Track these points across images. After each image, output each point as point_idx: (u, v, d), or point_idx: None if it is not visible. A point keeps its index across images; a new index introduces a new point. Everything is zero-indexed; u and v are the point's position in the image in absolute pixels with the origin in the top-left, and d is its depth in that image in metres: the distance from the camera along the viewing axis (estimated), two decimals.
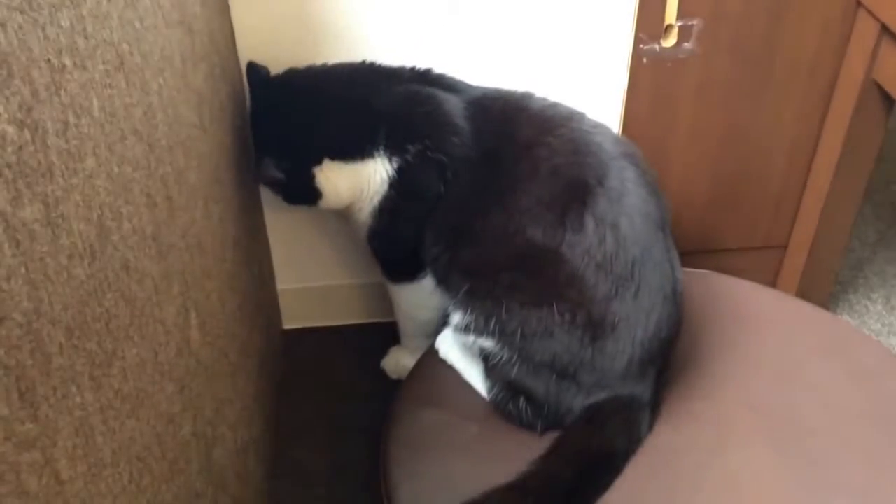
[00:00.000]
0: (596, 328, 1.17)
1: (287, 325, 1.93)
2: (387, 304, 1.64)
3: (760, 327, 1.40)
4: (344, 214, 1.49)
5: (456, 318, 1.28)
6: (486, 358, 1.25)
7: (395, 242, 1.45)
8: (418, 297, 1.50)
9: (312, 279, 1.87)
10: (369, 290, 1.86)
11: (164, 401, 0.89)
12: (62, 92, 0.65)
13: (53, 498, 0.59)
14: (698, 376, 1.32)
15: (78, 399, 0.65)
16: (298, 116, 1.40)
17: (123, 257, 0.78)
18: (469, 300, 1.24)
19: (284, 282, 1.86)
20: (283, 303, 1.90)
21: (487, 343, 1.23)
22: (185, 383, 0.98)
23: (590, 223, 1.16)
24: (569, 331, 1.17)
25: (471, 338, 1.26)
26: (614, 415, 1.21)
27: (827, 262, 1.94)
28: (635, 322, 1.17)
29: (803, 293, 1.92)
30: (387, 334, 1.70)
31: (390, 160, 1.37)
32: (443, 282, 1.35)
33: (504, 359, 1.22)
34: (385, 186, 1.39)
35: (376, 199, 1.41)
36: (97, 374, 0.70)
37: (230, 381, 1.25)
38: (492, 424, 1.28)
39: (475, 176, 1.30)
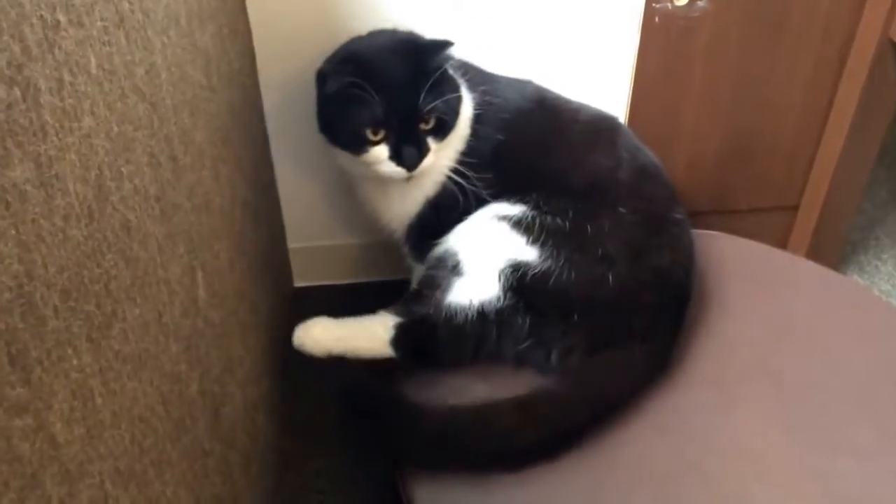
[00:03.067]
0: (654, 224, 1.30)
1: (298, 283, 1.93)
2: (396, 261, 1.63)
3: (770, 289, 1.39)
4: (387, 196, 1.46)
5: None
6: (517, 271, 1.26)
7: (452, 211, 1.40)
8: None
9: (323, 238, 1.87)
10: (380, 248, 1.85)
11: (168, 361, 0.88)
12: (56, 49, 0.64)
13: (49, 462, 0.59)
14: (707, 338, 1.31)
15: (75, 361, 0.65)
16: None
17: (124, 218, 0.77)
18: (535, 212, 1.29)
19: (295, 240, 1.86)
20: (294, 261, 1.90)
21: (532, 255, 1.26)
22: (191, 343, 0.98)
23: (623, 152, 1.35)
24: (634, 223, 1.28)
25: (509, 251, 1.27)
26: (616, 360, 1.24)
27: (838, 223, 1.93)
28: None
29: (814, 254, 1.91)
30: (398, 292, 1.68)
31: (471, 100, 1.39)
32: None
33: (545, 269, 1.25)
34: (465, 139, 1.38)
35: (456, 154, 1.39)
36: (96, 335, 0.69)
37: (239, 339, 1.25)
38: (500, 382, 1.27)
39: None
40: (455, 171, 1.36)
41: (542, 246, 1.26)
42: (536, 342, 1.26)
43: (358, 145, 1.32)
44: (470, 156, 1.36)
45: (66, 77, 0.65)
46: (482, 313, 1.26)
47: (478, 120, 1.38)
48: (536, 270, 1.25)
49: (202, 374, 1.02)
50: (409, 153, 1.30)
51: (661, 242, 1.30)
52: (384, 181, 1.37)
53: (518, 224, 1.28)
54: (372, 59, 1.32)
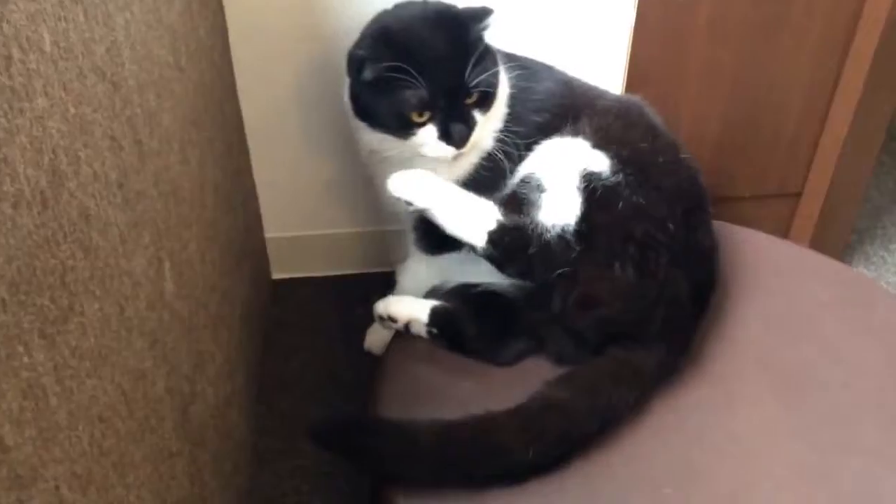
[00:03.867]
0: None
1: (276, 275, 1.88)
2: (380, 253, 1.58)
3: (772, 281, 1.35)
4: None
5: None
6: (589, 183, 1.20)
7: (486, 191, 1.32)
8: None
9: (302, 227, 1.82)
10: (361, 238, 1.80)
11: (132, 357, 0.83)
12: (4, 23, 0.59)
13: None
14: (707, 333, 1.27)
15: (25, 359, 0.60)
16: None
17: (82, 205, 0.72)
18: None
19: (273, 230, 1.81)
20: (272, 252, 1.85)
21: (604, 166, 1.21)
22: (157, 337, 0.93)
23: None
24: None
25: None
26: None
27: (843, 211, 1.88)
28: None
29: (817, 243, 1.87)
30: (381, 284, 1.64)
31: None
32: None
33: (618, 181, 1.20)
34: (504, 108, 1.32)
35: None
36: (50, 331, 0.64)
37: (210, 333, 1.20)
38: (486, 381, 1.23)
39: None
40: (494, 150, 1.31)
41: (613, 162, 1.21)
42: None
43: (403, 129, 1.26)
44: (507, 135, 1.30)
45: (16, 54, 0.61)
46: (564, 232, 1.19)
47: (513, 99, 1.32)
48: (606, 184, 1.20)
49: (169, 371, 0.97)
50: (458, 130, 1.25)
51: (705, 224, 1.26)
52: (421, 164, 1.29)
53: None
54: (410, 38, 1.25)
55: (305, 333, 1.77)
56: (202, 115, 1.23)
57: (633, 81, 1.66)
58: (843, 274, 1.38)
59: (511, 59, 1.36)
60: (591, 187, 1.19)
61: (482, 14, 1.26)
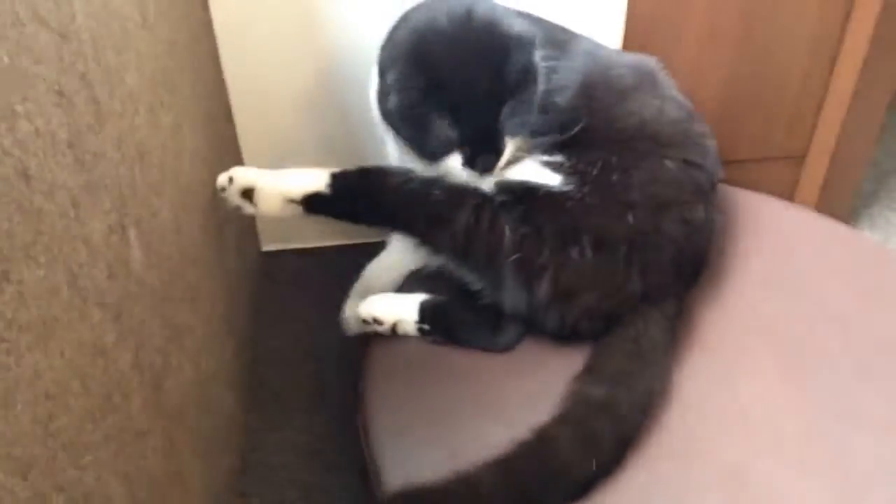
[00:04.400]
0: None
1: (267, 247, 1.82)
2: None
3: (775, 245, 1.30)
4: None
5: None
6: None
7: None
8: None
9: None
10: None
11: (87, 330, 0.78)
12: None
13: None
14: (704, 301, 1.23)
15: None
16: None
17: (20, 164, 0.66)
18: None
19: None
20: (262, 223, 1.79)
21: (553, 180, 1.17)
22: (122, 310, 0.87)
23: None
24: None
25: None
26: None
27: (849, 174, 1.81)
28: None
29: (823, 207, 1.81)
30: (374, 255, 1.58)
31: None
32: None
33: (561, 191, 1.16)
34: None
35: None
36: None
37: (189, 306, 1.14)
38: (477, 354, 1.19)
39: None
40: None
41: (566, 177, 1.17)
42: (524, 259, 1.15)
43: (428, 156, 1.19)
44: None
45: None
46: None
47: (545, 95, 1.21)
48: (551, 190, 1.16)
49: (138, 346, 0.91)
50: (485, 161, 1.17)
51: (699, 199, 1.20)
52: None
53: (549, 164, 1.19)
54: (446, 70, 1.13)
55: (298, 306, 1.73)
56: (176, 77, 1.16)
57: (631, 34, 1.58)
58: (848, 237, 1.33)
59: (551, 38, 1.26)
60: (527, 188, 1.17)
61: (529, 43, 1.16)
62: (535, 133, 1.20)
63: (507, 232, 1.15)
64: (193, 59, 1.28)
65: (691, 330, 1.19)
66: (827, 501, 0.99)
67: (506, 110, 1.14)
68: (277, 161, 1.62)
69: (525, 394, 1.14)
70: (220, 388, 1.30)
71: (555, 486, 1.01)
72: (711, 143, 1.26)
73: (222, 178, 1.21)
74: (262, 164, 1.63)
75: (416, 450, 1.09)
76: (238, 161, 1.66)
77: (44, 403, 0.68)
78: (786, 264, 1.27)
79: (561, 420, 1.05)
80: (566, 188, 1.16)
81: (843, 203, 1.89)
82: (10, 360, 0.63)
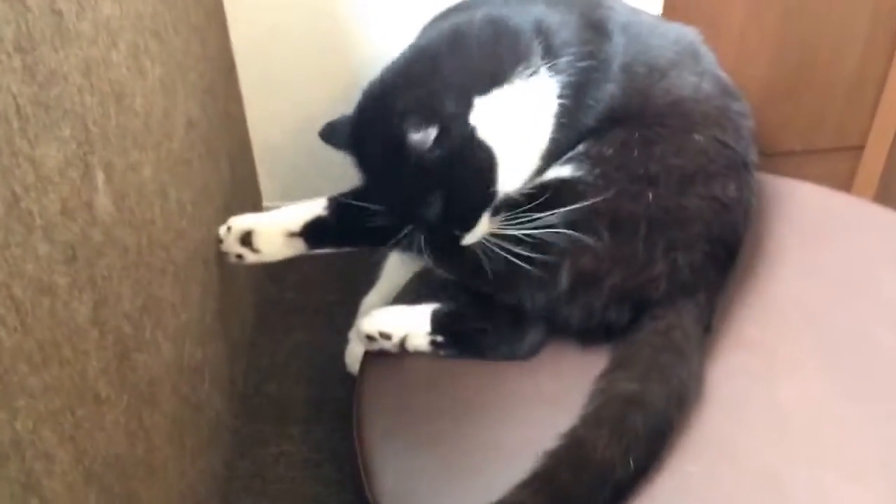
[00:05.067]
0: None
1: None
2: None
3: (823, 235, 1.20)
4: None
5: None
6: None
7: None
8: None
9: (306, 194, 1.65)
10: None
11: (29, 261, 0.68)
12: None
13: None
14: (747, 294, 1.13)
15: None
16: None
17: None
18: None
19: (272, 198, 1.65)
20: None
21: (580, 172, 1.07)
22: (78, 254, 0.78)
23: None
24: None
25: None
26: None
27: None
28: None
29: (882, 202, 1.67)
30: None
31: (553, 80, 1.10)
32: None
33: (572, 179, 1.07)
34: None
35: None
36: None
37: (171, 282, 1.05)
38: (475, 365, 1.09)
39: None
40: None
41: (577, 164, 1.08)
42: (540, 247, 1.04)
43: None
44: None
45: None
46: None
47: (563, 113, 1.10)
48: (561, 180, 1.07)
49: (98, 302, 0.82)
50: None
51: (730, 176, 1.10)
52: None
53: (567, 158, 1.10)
54: (356, 136, 1.08)
55: (302, 313, 1.64)
56: (168, 30, 1.08)
57: (671, 3, 1.48)
58: None
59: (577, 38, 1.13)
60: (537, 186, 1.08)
61: (417, 121, 0.99)
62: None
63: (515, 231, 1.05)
64: (193, 19, 1.20)
65: (728, 323, 1.09)
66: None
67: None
68: (291, 160, 1.56)
69: (535, 394, 1.05)
70: (206, 386, 1.20)
71: (597, 491, 0.91)
72: (748, 124, 1.16)
73: (221, 229, 1.16)
74: (274, 159, 1.57)
75: (410, 452, 1.01)
76: (247, 152, 1.57)
77: None
78: (834, 255, 1.17)
79: (593, 420, 0.96)
80: (577, 174, 1.07)
81: None
82: None
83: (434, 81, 1.03)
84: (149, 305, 0.96)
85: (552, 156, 1.11)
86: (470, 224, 1.05)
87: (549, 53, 1.09)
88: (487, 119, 1.03)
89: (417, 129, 0.98)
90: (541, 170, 1.11)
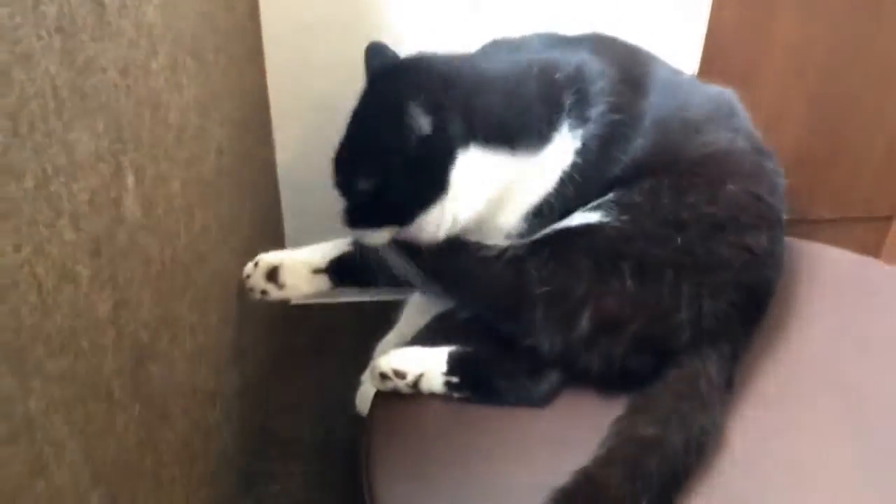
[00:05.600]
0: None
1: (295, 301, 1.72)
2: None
3: (852, 299, 1.20)
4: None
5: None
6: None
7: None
8: None
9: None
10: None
11: (53, 242, 0.68)
12: None
13: None
14: (769, 351, 1.12)
15: None
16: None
17: None
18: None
19: (293, 241, 1.64)
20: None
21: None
22: (102, 249, 0.78)
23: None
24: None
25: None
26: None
27: None
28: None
29: None
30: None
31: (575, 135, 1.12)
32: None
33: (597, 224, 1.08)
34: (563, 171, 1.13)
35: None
36: None
37: (189, 302, 1.05)
38: (487, 408, 1.08)
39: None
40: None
41: (606, 211, 1.08)
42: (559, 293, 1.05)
43: None
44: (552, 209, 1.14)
45: None
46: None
47: (580, 167, 1.12)
48: (587, 225, 1.08)
49: (118, 303, 0.81)
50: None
51: (762, 228, 1.10)
52: None
53: (594, 206, 1.11)
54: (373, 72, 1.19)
55: (314, 357, 1.65)
56: (208, 54, 1.10)
57: (708, 58, 1.49)
58: None
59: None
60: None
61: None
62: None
63: (533, 271, 1.06)
64: (234, 49, 1.22)
65: (752, 379, 1.07)
66: None
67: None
68: (316, 211, 1.56)
69: (550, 438, 1.04)
70: (217, 414, 1.19)
71: None
72: (781, 182, 1.16)
73: (248, 266, 1.19)
74: (298, 204, 1.57)
75: (420, 493, 0.99)
76: (274, 196, 1.58)
77: None
78: (862, 319, 1.16)
79: (606, 459, 0.95)
80: (604, 220, 1.07)
81: None
82: None
83: (465, 100, 1.08)
84: (167, 319, 0.96)
85: (566, 203, 1.12)
86: (373, 223, 1.11)
87: (582, 102, 1.11)
88: (469, 174, 1.08)
89: (421, 110, 1.04)
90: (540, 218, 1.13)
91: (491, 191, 1.10)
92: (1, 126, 0.59)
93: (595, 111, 1.12)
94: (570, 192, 1.12)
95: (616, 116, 1.12)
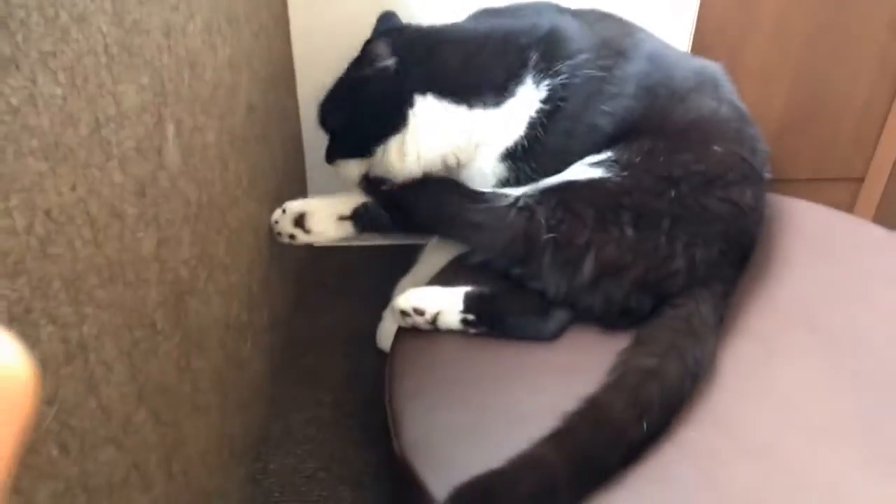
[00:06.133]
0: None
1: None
2: None
3: (827, 249, 1.27)
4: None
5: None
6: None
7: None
8: None
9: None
10: None
11: (104, 183, 0.76)
12: None
13: None
14: (752, 293, 1.20)
15: None
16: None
17: None
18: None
19: (315, 192, 1.73)
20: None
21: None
22: (146, 192, 0.86)
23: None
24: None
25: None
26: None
27: None
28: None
29: None
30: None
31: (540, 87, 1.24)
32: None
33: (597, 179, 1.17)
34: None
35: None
36: None
37: (225, 243, 1.13)
38: (503, 346, 1.16)
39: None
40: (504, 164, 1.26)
41: (607, 168, 1.17)
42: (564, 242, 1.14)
43: None
44: (525, 152, 1.25)
45: None
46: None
47: (590, 103, 1.23)
48: (590, 178, 1.16)
49: (161, 241, 0.90)
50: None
51: (746, 185, 1.19)
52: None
53: (595, 163, 1.19)
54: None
55: (340, 296, 1.73)
56: (240, 19, 1.18)
57: (701, 33, 1.57)
58: None
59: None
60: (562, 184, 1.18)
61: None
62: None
63: (542, 219, 1.14)
64: (262, 16, 1.29)
65: (736, 317, 1.16)
66: (862, 478, 0.94)
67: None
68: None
69: (556, 366, 1.12)
70: (249, 347, 1.28)
71: (613, 449, 0.97)
72: (762, 147, 1.25)
73: (276, 213, 1.29)
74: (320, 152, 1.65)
75: (436, 411, 1.07)
76: (299, 149, 1.66)
77: (43, 222, 0.66)
78: (836, 266, 1.24)
79: (612, 386, 1.03)
80: (606, 175, 1.16)
81: None
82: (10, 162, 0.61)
83: (429, 54, 1.23)
84: (204, 258, 1.04)
85: (546, 147, 1.23)
86: (343, 154, 1.28)
87: (550, 57, 1.22)
88: (425, 118, 1.22)
89: (389, 50, 1.21)
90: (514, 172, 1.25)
91: (451, 138, 1.23)
92: (61, 79, 0.68)
93: (567, 65, 1.22)
94: (543, 135, 1.22)
95: (594, 73, 1.22)
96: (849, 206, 1.83)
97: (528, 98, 1.22)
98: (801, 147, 1.74)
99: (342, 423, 1.45)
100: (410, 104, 1.21)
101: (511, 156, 1.23)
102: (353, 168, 1.27)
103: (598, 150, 1.21)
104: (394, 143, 1.22)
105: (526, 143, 1.22)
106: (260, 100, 1.31)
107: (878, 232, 1.31)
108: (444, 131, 1.22)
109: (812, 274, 1.22)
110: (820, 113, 1.70)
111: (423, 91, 1.21)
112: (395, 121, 1.21)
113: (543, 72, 1.22)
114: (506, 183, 1.25)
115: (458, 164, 1.25)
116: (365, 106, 1.24)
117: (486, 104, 1.22)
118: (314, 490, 1.35)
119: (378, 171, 1.26)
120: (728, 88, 1.28)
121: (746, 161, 1.19)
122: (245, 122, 1.21)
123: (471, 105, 1.22)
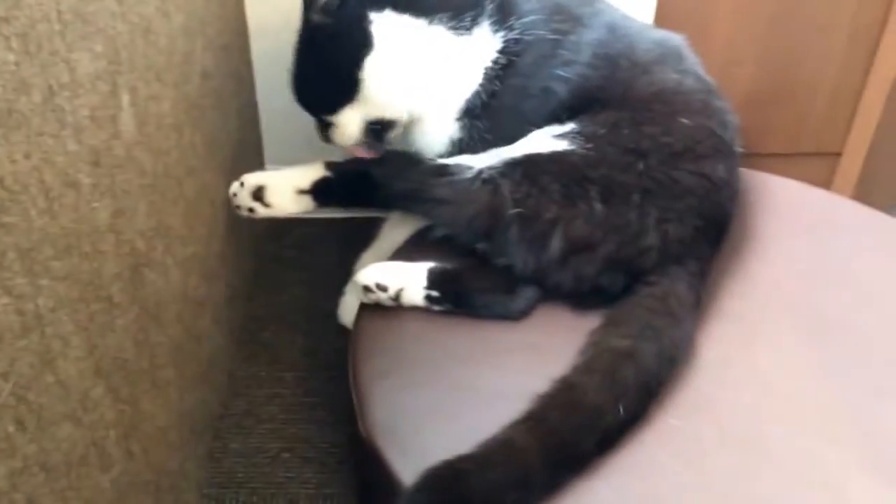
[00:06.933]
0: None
1: None
2: None
3: (806, 226, 1.25)
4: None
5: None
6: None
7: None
8: None
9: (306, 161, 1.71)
10: None
11: (57, 152, 0.75)
12: None
13: None
14: (729, 273, 1.17)
15: None
16: None
17: None
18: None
19: (274, 161, 1.71)
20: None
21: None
22: (101, 160, 0.84)
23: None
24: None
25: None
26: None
27: (887, 171, 1.74)
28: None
29: None
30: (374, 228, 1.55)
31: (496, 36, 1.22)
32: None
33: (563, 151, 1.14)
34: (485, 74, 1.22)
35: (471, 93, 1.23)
36: None
37: (182, 214, 1.11)
38: (471, 324, 1.13)
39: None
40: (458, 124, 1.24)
41: (571, 140, 1.14)
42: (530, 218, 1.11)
43: None
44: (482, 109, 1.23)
45: None
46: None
47: (545, 67, 1.21)
48: (555, 151, 1.13)
49: (117, 211, 0.88)
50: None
51: (718, 158, 1.16)
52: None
53: (559, 135, 1.16)
54: None
55: (299, 270, 1.69)
56: None
57: (663, 5, 1.55)
58: (883, 223, 1.27)
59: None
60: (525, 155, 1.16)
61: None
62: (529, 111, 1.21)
63: (506, 193, 1.11)
64: None
65: (713, 298, 1.13)
66: (844, 463, 0.93)
67: None
68: (295, 124, 1.61)
69: (525, 345, 1.09)
70: (207, 321, 1.26)
71: (588, 434, 0.93)
72: (732, 118, 1.22)
73: (234, 185, 1.23)
74: (278, 122, 1.63)
75: (402, 391, 1.04)
76: (254, 115, 1.64)
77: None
78: (816, 244, 1.22)
79: (584, 368, 0.99)
80: (570, 147, 1.14)
81: (881, 203, 1.81)
82: None
83: None
84: (160, 229, 1.02)
85: (493, 107, 1.22)
86: (325, 108, 1.25)
87: (504, 10, 1.21)
88: (389, 33, 1.19)
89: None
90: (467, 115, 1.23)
91: (419, 54, 1.21)
92: (13, 45, 0.65)
93: (520, 22, 1.21)
94: (500, 88, 1.20)
95: (546, 34, 1.21)
96: (826, 183, 1.81)
97: (485, 44, 1.20)
98: (772, 120, 1.72)
99: (305, 402, 1.43)
100: (369, 22, 1.18)
101: (469, 112, 1.21)
102: (351, 119, 1.24)
103: (557, 120, 1.19)
104: (370, 68, 1.19)
105: (483, 96, 1.20)
106: (214, 67, 1.29)
107: (857, 209, 1.30)
108: (411, 46, 1.19)
109: (791, 253, 1.20)
110: (790, 85, 1.68)
111: (380, 8, 1.18)
112: (360, 44, 1.18)
113: (498, 23, 1.20)
114: (458, 144, 1.23)
115: (420, 117, 1.25)
116: (328, 48, 1.20)
117: (444, 24, 1.20)
118: (278, 471, 1.33)
119: (373, 112, 1.23)
120: (692, 60, 1.26)
121: (716, 134, 1.18)
122: (200, 90, 1.19)
123: (430, 20, 1.19)
